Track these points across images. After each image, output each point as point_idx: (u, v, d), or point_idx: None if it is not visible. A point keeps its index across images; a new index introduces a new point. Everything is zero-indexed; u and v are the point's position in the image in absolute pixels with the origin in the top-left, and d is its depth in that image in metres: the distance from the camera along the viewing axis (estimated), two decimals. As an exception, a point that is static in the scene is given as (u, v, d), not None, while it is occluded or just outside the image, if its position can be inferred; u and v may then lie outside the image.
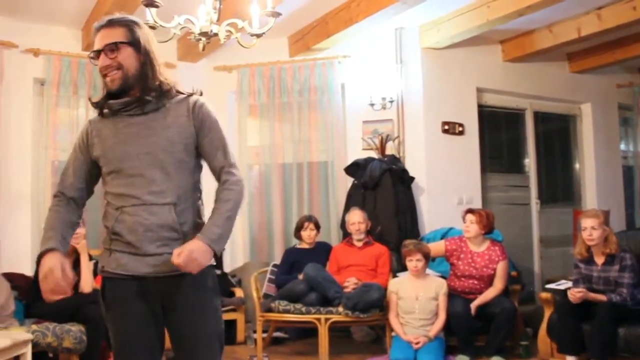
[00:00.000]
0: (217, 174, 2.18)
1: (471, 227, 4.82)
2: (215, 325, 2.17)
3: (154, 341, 2.13)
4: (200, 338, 2.12)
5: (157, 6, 3.11)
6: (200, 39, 3.38)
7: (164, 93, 2.14)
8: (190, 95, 2.21)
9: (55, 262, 2.04)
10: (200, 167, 2.24)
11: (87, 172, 2.21)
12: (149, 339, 2.12)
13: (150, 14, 3.16)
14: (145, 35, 2.15)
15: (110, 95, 2.13)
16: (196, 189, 2.19)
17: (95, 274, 4.76)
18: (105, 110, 2.16)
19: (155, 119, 2.13)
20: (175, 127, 2.13)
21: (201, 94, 2.23)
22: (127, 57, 2.10)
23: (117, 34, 2.10)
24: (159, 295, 2.10)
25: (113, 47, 2.08)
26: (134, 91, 2.12)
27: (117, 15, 2.16)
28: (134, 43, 2.11)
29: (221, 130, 2.20)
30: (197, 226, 2.14)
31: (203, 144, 2.16)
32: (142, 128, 2.12)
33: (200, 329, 2.12)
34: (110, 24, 2.12)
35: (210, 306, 2.17)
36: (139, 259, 2.07)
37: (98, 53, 2.11)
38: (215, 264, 2.20)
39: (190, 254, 1.97)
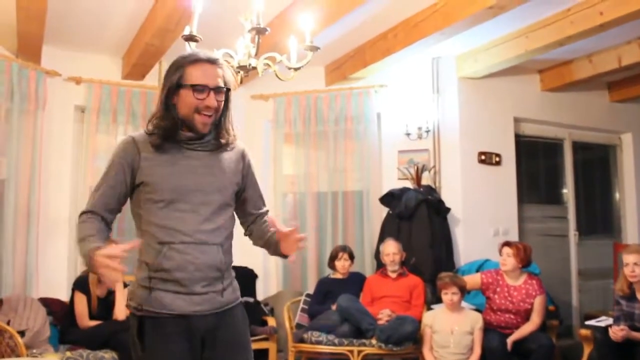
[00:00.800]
0: (259, 219, 2.32)
1: (508, 260, 4.73)
2: (250, 357, 2.23)
3: None
4: None
5: (196, 41, 3.14)
6: (239, 72, 3.41)
7: (230, 139, 2.18)
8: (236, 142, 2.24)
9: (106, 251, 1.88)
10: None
11: (123, 194, 2.12)
12: None
13: (190, 48, 3.20)
14: (232, 81, 2.16)
15: (187, 127, 2.10)
16: (232, 231, 2.23)
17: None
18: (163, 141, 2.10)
19: (213, 159, 2.15)
20: (229, 171, 2.18)
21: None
22: (221, 101, 2.12)
23: (221, 77, 2.11)
24: (202, 333, 2.10)
25: (222, 90, 2.11)
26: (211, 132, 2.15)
27: (217, 55, 2.18)
28: (229, 90, 2.14)
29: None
30: (231, 265, 2.21)
31: (249, 191, 2.28)
32: (201, 165, 2.11)
33: None
34: (217, 63, 2.12)
35: (245, 339, 2.24)
36: (186, 298, 2.06)
37: (201, 87, 2.06)
38: (243, 301, 2.26)
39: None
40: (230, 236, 2.20)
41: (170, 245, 2.04)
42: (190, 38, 3.15)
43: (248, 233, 2.38)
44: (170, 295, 2.05)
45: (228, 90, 2.13)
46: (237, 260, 2.26)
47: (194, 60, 2.10)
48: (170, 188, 2.06)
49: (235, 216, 2.31)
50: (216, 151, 2.16)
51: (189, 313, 2.06)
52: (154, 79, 5.69)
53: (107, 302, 4.53)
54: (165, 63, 5.51)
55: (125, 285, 4.59)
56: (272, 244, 2.29)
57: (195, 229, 2.07)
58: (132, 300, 2.11)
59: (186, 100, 2.07)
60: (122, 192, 2.11)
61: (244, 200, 2.27)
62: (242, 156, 2.24)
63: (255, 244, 2.40)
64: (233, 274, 2.24)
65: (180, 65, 2.10)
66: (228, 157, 2.19)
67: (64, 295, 5.01)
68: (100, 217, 2.08)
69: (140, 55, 5.14)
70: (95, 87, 5.60)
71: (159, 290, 2.05)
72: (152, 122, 2.13)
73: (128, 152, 2.09)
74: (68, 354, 4.09)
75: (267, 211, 2.36)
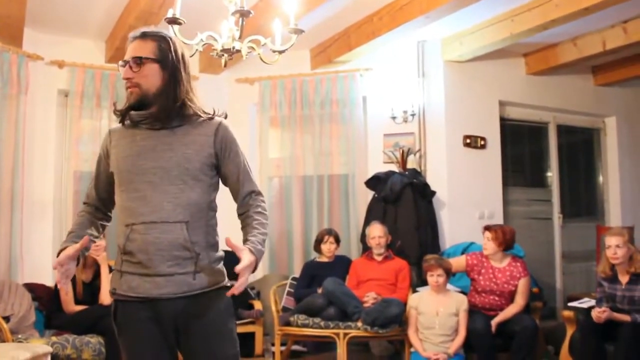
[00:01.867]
0: (244, 197, 2.17)
1: (488, 244, 4.76)
2: (231, 349, 2.12)
3: None
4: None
5: (180, 23, 3.12)
6: (223, 55, 3.39)
7: (184, 116, 2.12)
8: (212, 116, 2.19)
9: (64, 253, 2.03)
10: (217, 188, 2.20)
11: (108, 183, 2.17)
12: None
13: (173, 31, 3.17)
14: (176, 54, 2.11)
15: (131, 106, 2.11)
16: (211, 208, 2.14)
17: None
18: (127, 121, 2.14)
19: (174, 135, 2.09)
20: (194, 145, 2.10)
21: (225, 117, 2.23)
22: (151, 74, 2.06)
23: (147, 49, 2.07)
24: (172, 318, 2.04)
25: (138, 61, 2.06)
26: (154, 107, 2.08)
27: (153, 29, 2.13)
28: (161, 60, 2.07)
29: (243, 154, 2.22)
30: (211, 245, 2.12)
31: (229, 168, 2.16)
32: (159, 142, 2.08)
33: (216, 354, 2.08)
34: (144, 36, 2.10)
35: (225, 329, 2.12)
36: (150, 280, 2.01)
37: (125, 63, 2.08)
38: (228, 285, 2.13)
39: (252, 266, 1.96)
40: (203, 214, 2.09)
41: (132, 226, 2.03)
42: (173, 21, 3.13)
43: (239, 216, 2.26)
44: (137, 278, 2.03)
45: (160, 62, 2.07)
46: (222, 244, 2.15)
47: (130, 40, 2.13)
48: (127, 169, 2.08)
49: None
50: (179, 127, 2.11)
51: (155, 296, 2.01)
52: (138, 63, 5.64)
53: (92, 287, 4.52)
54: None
55: (110, 270, 4.58)
56: None
57: (155, 207, 2.02)
58: (111, 284, 2.13)
59: None
60: (107, 181, 2.18)
61: (225, 177, 2.19)
62: (216, 130, 2.14)
63: None
64: (217, 256, 2.14)
65: (127, 48, 2.14)
66: (196, 131, 2.12)
67: (49, 281, 4.98)
68: (93, 206, 2.24)
69: (124, 39, 4.99)
70: (78, 71, 5.54)
71: (128, 274, 2.05)
72: None
73: (104, 143, 2.22)
74: (54, 338, 4.08)
75: (253, 192, 2.19)
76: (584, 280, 6.67)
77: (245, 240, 2.08)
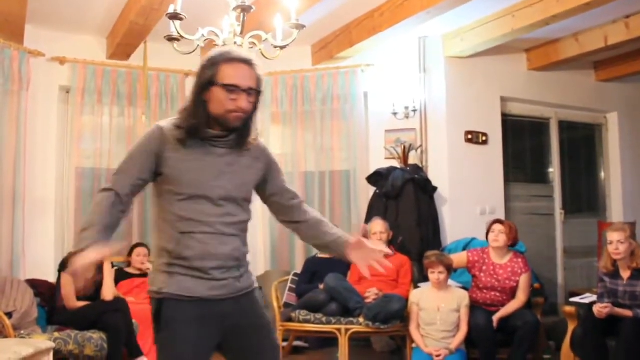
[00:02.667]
0: (298, 207, 2.38)
1: (500, 237, 4.76)
2: (276, 339, 2.33)
3: None
4: (267, 351, 2.25)
5: (181, 19, 3.12)
6: (224, 51, 3.38)
7: (251, 140, 2.20)
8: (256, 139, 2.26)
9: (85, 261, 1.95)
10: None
11: (144, 181, 2.17)
12: None
13: (175, 27, 3.18)
14: (262, 79, 2.15)
15: (208, 123, 2.11)
16: (248, 225, 2.29)
17: (116, 281, 4.80)
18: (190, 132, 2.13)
19: (234, 156, 2.18)
20: (250, 169, 2.23)
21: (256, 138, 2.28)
22: (253, 103, 2.13)
23: (254, 79, 2.11)
24: (220, 317, 2.15)
25: (251, 92, 2.10)
26: (236, 130, 2.15)
27: (252, 55, 2.15)
28: (260, 91, 2.14)
29: None
30: (246, 254, 2.29)
31: (275, 183, 2.33)
32: (223, 162, 2.15)
33: (270, 344, 2.26)
34: (251, 65, 2.11)
35: (268, 322, 2.30)
36: (205, 283, 2.12)
37: (233, 88, 2.07)
38: (260, 287, 2.31)
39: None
40: (246, 229, 2.26)
41: (191, 234, 2.10)
42: (174, 16, 3.14)
43: (295, 228, 2.42)
44: (189, 279, 2.11)
45: (259, 92, 2.14)
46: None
47: (230, 59, 2.10)
48: (191, 183, 2.11)
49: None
50: (237, 149, 2.19)
51: (208, 297, 2.11)
52: (140, 59, 5.65)
53: (95, 282, 4.52)
54: (150, 43, 5.49)
55: (112, 266, 4.59)
56: (333, 249, 2.39)
57: (216, 221, 2.12)
58: (153, 285, 2.16)
59: (218, 99, 2.08)
60: (144, 179, 2.15)
61: (272, 194, 2.33)
62: (263, 153, 2.29)
63: (304, 240, 2.52)
64: (249, 262, 2.31)
65: (215, 62, 2.09)
66: (250, 155, 2.23)
67: (51, 277, 5.00)
68: (119, 197, 2.11)
69: (125, 35, 5.10)
70: (79, 68, 5.55)
71: (179, 275, 2.11)
72: (182, 115, 2.14)
73: (155, 141, 2.13)
74: (56, 334, 4.08)
75: (301, 199, 2.41)
76: (586, 275, 6.66)
77: (337, 237, 2.35)
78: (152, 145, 2.13)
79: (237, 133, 2.15)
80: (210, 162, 2.13)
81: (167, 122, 2.17)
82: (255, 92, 2.11)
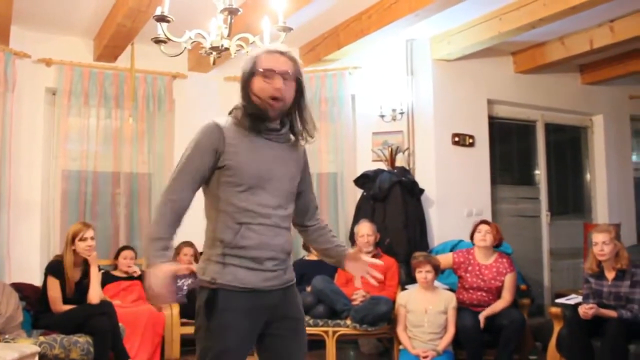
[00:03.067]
0: (313, 211, 2.49)
1: (487, 236, 4.80)
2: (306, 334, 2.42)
3: (247, 355, 2.26)
4: (303, 342, 2.36)
5: (168, 21, 3.11)
6: (211, 53, 3.39)
7: (303, 135, 2.30)
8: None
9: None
10: None
11: (204, 177, 2.20)
12: (245, 353, 2.24)
13: (161, 29, 3.17)
14: (303, 77, 2.25)
15: (263, 117, 2.20)
16: None
17: (102, 284, 4.77)
18: (245, 124, 2.22)
19: (286, 151, 2.29)
20: (296, 163, 2.34)
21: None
22: (290, 90, 2.21)
23: (290, 65, 2.20)
24: (269, 308, 2.22)
25: (286, 76, 2.18)
26: (280, 122, 2.26)
27: (287, 48, 2.24)
28: (298, 80, 2.23)
29: None
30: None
31: (305, 183, 2.43)
32: (277, 155, 2.25)
33: (303, 337, 2.36)
34: (283, 54, 2.21)
35: (303, 315, 2.41)
36: (258, 274, 2.18)
37: (269, 72, 2.16)
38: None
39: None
40: (290, 221, 2.35)
41: (249, 225, 2.17)
42: (161, 19, 3.13)
43: (303, 230, 2.53)
44: (243, 270, 2.17)
45: (299, 82, 2.23)
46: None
47: (267, 50, 2.24)
48: (251, 174, 2.18)
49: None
50: (288, 144, 2.31)
51: (260, 287, 2.18)
52: (127, 61, 5.63)
53: (81, 286, 4.49)
54: (137, 45, 5.47)
55: (98, 269, 4.56)
56: (332, 256, 2.52)
57: (272, 213, 2.20)
58: (205, 274, 2.19)
59: (259, 86, 2.17)
60: (204, 175, 2.20)
61: (299, 193, 2.39)
62: (304, 152, 2.41)
63: (307, 242, 2.66)
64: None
65: (255, 55, 2.23)
66: (296, 150, 2.35)
67: (37, 280, 4.95)
68: (181, 206, 2.16)
69: (112, 37, 5.07)
70: (66, 69, 5.52)
71: (233, 266, 2.17)
72: (236, 111, 2.26)
73: (213, 136, 2.17)
74: (41, 338, 4.05)
75: (317, 207, 2.52)
76: (572, 277, 6.70)
77: (337, 245, 2.50)
78: (211, 141, 2.17)
79: (290, 126, 2.28)
80: (267, 155, 2.22)
81: (221, 119, 2.24)
82: (291, 78, 2.19)
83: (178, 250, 5.45)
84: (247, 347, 2.23)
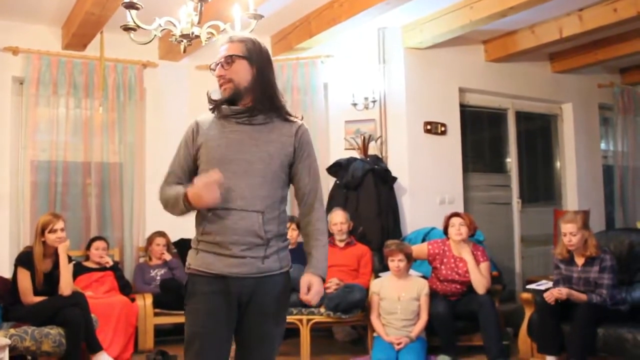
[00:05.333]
0: (304, 198, 2.39)
1: (462, 229, 4.80)
2: (278, 327, 2.35)
3: (225, 336, 2.26)
4: (267, 338, 2.31)
5: (137, 8, 3.07)
6: (182, 41, 3.35)
7: (275, 109, 2.31)
8: (295, 119, 2.39)
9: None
10: (288, 184, 2.40)
11: (192, 169, 2.33)
12: (221, 337, 2.25)
13: (131, 16, 3.13)
14: (262, 53, 2.31)
15: (226, 100, 2.28)
16: (283, 202, 2.35)
17: (74, 275, 4.71)
18: (216, 113, 2.32)
19: (260, 131, 2.29)
20: (277, 143, 2.29)
21: (302, 119, 2.42)
22: (241, 70, 2.26)
23: (236, 48, 2.27)
24: (238, 294, 2.24)
25: (229, 60, 2.25)
26: (246, 101, 2.28)
27: (238, 33, 2.36)
28: (249, 57, 2.27)
29: (316, 159, 2.43)
30: (280, 235, 2.32)
31: (299, 167, 2.36)
32: (246, 137, 2.27)
33: (264, 331, 2.30)
34: (231, 40, 2.30)
35: (281, 310, 2.35)
36: (224, 260, 2.21)
37: (217, 64, 2.28)
38: (290, 270, 2.37)
39: (319, 292, 2.28)
40: (276, 206, 2.29)
41: (215, 211, 2.21)
42: (130, 5, 3.09)
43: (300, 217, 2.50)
44: (212, 256, 2.23)
45: (257, 60, 2.28)
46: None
47: (221, 43, 2.33)
48: (214, 158, 2.25)
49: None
50: (264, 124, 2.29)
51: (226, 273, 2.21)
52: (96, 50, 5.55)
53: (52, 277, 4.43)
54: (107, 33, 5.39)
55: (70, 260, 4.50)
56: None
57: (237, 195, 2.21)
58: (187, 260, 2.33)
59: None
60: (190, 168, 2.34)
61: (293, 176, 2.37)
62: (296, 131, 2.34)
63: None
64: (284, 245, 2.34)
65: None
66: (279, 131, 2.31)
67: (6, 272, 4.88)
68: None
69: (81, 25, 4.99)
70: (33, 58, 5.42)
71: (203, 252, 2.26)
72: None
73: (189, 131, 2.36)
74: (12, 330, 4.00)
75: (317, 196, 2.39)
76: (542, 263, 6.80)
77: (309, 254, 2.35)
78: (186, 136, 2.35)
79: (249, 101, 2.27)
80: (233, 138, 2.26)
81: (203, 113, 2.38)
82: (241, 58, 2.25)
83: (150, 240, 5.47)
84: (221, 331, 2.24)
